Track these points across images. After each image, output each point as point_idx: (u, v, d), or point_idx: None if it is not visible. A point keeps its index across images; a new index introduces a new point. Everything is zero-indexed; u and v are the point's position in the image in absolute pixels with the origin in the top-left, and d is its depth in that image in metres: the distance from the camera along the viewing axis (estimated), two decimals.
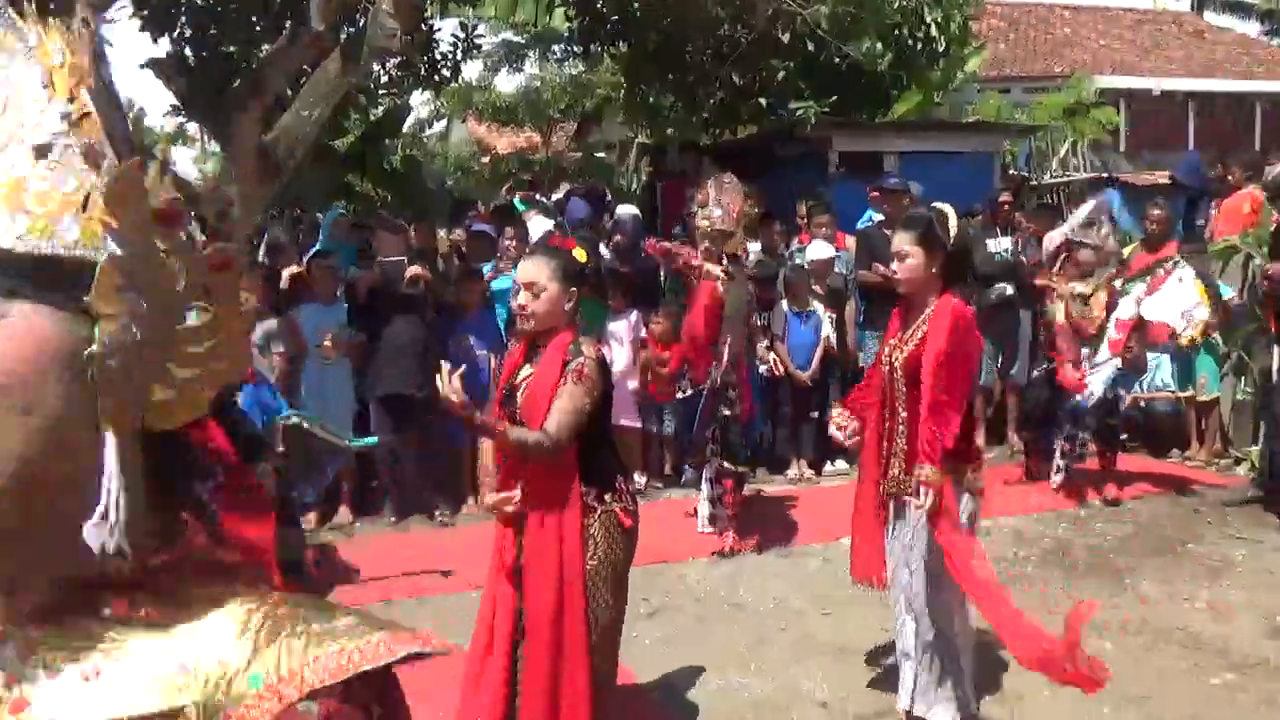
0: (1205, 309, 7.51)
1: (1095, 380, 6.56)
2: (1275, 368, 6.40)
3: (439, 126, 26.10)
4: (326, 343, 6.62)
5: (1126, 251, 8.50)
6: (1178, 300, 7.49)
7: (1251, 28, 24.87)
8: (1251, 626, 4.68)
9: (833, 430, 4.08)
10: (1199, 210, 9.78)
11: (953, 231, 3.65)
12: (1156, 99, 16.28)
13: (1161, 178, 11.88)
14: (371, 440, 5.77)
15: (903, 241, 3.68)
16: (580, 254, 3.34)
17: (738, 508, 6.02)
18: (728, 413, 5.88)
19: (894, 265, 3.73)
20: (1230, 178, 8.90)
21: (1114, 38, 19.76)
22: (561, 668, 3.13)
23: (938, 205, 3.78)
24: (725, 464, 5.97)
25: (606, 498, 3.21)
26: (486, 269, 7.28)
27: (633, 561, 3.31)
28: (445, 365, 3.05)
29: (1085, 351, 6.57)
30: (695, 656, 4.54)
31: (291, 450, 4.89)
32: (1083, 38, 19.50)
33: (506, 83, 22.82)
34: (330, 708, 0.75)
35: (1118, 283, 6.78)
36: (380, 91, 10.69)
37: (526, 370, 3.26)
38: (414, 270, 6.68)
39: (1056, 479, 6.92)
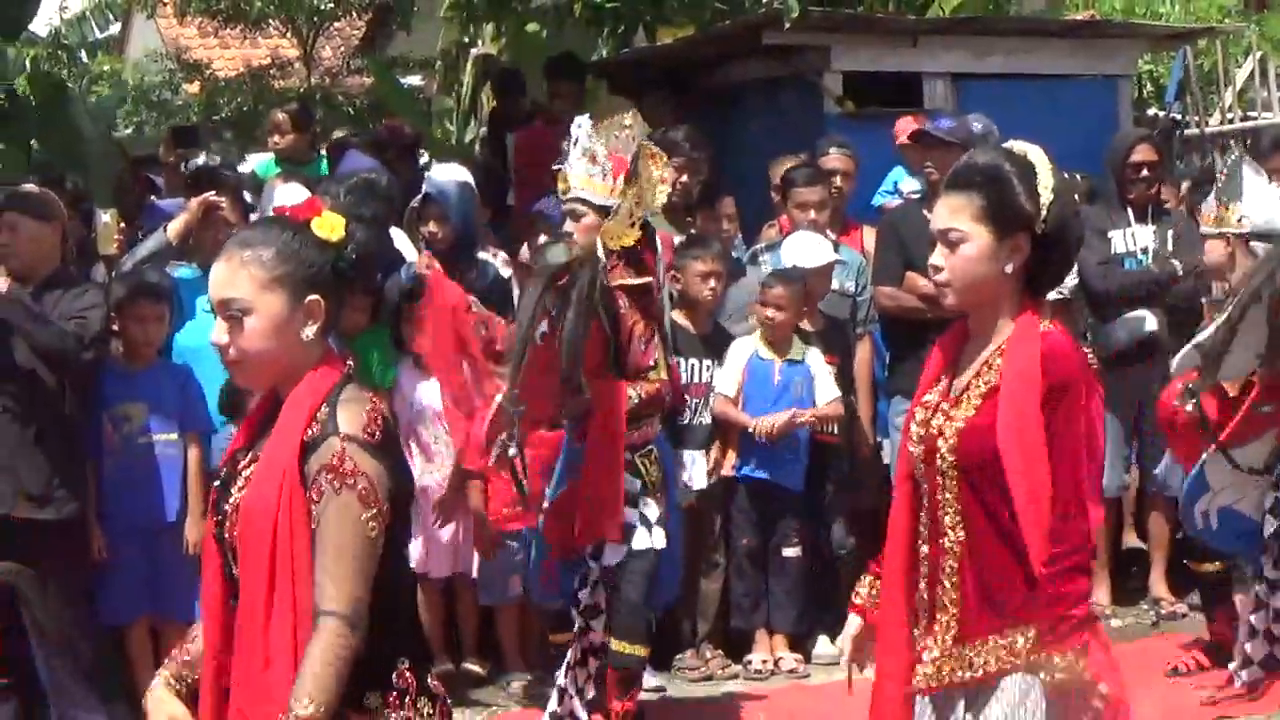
0: None
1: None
2: None
3: (108, 33, 25.91)
4: None
5: None
6: None
7: None
8: None
9: (840, 642, 4.16)
10: None
11: (1045, 195, 3.68)
12: None
13: None
14: None
15: (952, 211, 3.67)
16: (328, 226, 3.24)
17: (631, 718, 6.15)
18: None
19: (935, 257, 3.76)
20: None
21: None
22: None
23: (1017, 146, 3.77)
24: (609, 641, 6.09)
25: (368, 701, 3.17)
26: (184, 275, 7.28)
27: None
28: None
29: None
30: None
31: None
32: None
33: None
34: None
35: None
36: None
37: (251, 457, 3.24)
38: None
39: (1241, 670, 7.00)
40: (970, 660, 3.67)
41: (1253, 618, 6.98)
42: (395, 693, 3.18)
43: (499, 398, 5.99)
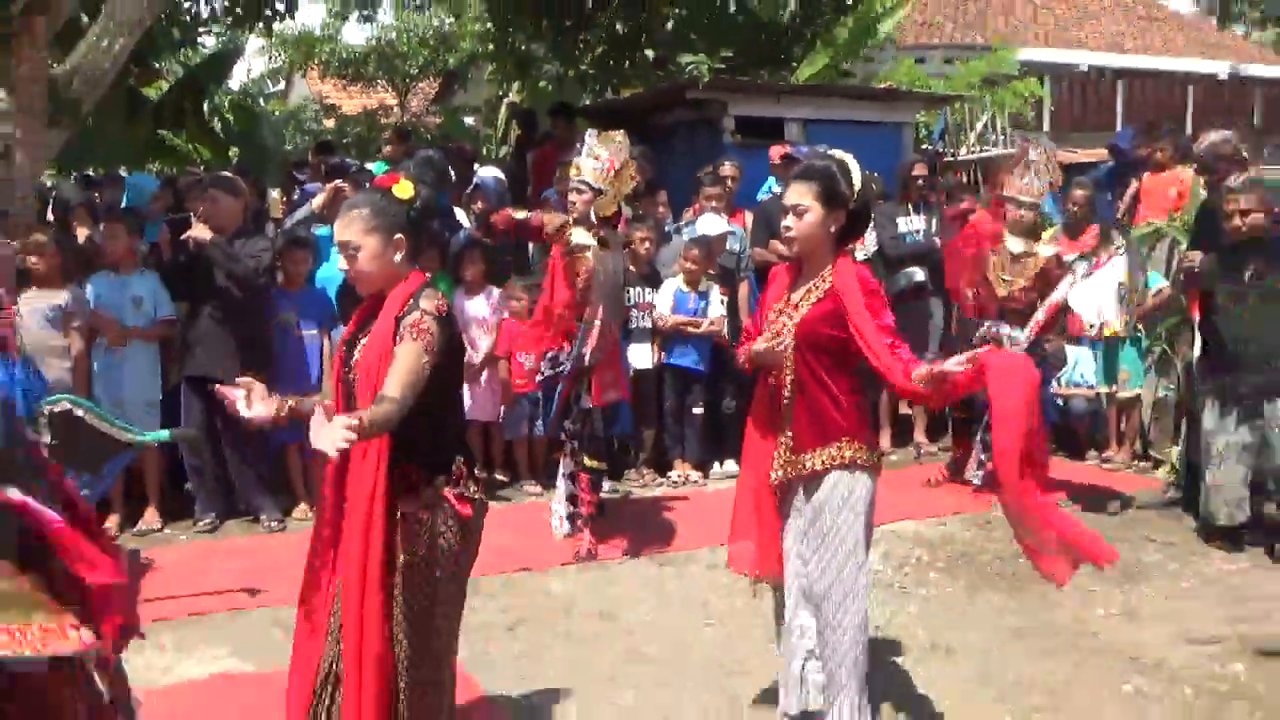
0: (1127, 300, 7.97)
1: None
2: (1196, 362, 6.63)
3: (277, 88, 25.59)
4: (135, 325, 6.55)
5: (1045, 236, 8.89)
6: (1104, 289, 7.91)
7: (1185, 5, 26.29)
8: (1165, 633, 4.95)
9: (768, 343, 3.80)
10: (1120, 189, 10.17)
11: (856, 185, 3.72)
12: (1084, 74, 16.97)
13: (1085, 156, 12.40)
14: (162, 434, 5.61)
15: (799, 193, 3.72)
16: (403, 189, 3.27)
17: (594, 507, 6.24)
18: (590, 404, 6.08)
19: (787, 220, 3.79)
20: (1158, 155, 9.31)
21: (1041, 8, 20.49)
22: (366, 678, 3.10)
23: (838, 154, 3.82)
24: (583, 459, 6.17)
25: (438, 482, 3.18)
26: (322, 233, 7.22)
27: (474, 561, 3.30)
28: (238, 392, 3.08)
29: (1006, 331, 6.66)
30: (559, 674, 4.58)
31: (64, 442, 4.66)
32: (1009, 6, 20.19)
33: (356, 34, 22.50)
34: None
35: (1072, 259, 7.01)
36: (200, 29, 10.44)
37: (365, 334, 3.26)
38: (192, 232, 6.54)
39: (977, 476, 7.18)
40: (803, 463, 3.74)
41: (982, 456, 7.13)
42: (451, 476, 3.21)
43: (595, 323, 5.89)
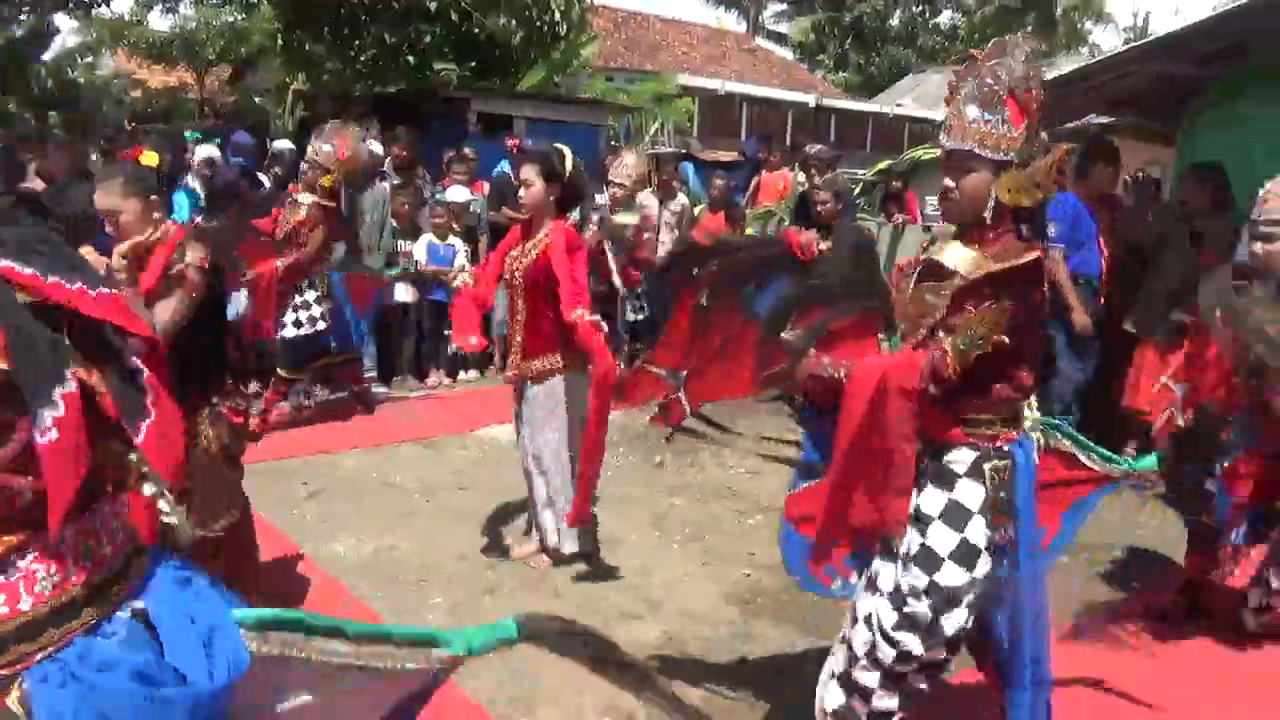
0: None
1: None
2: None
3: (86, 60, 22.45)
4: None
5: (697, 211, 9.26)
6: None
7: (788, 53, 28.13)
8: (775, 483, 5.38)
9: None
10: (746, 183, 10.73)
11: (568, 168, 3.80)
12: (721, 97, 17.66)
13: (725, 155, 12.94)
14: None
15: (528, 171, 3.78)
16: (149, 158, 2.97)
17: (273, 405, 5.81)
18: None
19: (521, 192, 3.83)
20: (772, 159, 9.88)
21: (691, 47, 21.26)
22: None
23: (558, 145, 3.89)
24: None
25: (214, 399, 2.98)
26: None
27: (244, 450, 3.15)
28: None
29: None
30: (353, 527, 4.46)
31: None
32: (669, 44, 20.78)
33: (160, 22, 20.01)
34: None
35: None
36: (21, 13, 9.06)
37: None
38: (27, 185, 5.71)
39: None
40: (529, 368, 3.81)
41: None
42: (223, 393, 3.05)
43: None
